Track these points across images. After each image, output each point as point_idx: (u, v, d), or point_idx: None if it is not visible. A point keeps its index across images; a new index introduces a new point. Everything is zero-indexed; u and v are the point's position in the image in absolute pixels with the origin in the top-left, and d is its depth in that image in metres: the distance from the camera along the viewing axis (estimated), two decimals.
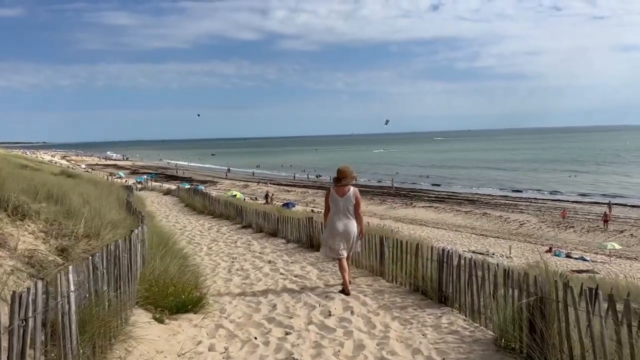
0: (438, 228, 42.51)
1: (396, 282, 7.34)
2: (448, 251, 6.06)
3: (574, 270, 24.17)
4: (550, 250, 32.88)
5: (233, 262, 9.86)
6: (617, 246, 32.40)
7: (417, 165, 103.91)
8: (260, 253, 10.75)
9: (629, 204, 52.56)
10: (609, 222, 38.91)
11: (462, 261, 5.79)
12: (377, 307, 6.25)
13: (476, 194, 63.13)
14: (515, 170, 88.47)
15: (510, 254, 28.82)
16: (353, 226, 7.25)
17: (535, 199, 58.44)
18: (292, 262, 9.48)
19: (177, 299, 5.80)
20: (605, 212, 40.48)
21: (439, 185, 72.90)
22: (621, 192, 60.77)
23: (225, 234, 14.22)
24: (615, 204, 51.80)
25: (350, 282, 7.18)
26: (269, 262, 9.69)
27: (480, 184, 71.62)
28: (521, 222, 45.07)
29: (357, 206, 7.26)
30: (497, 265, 5.40)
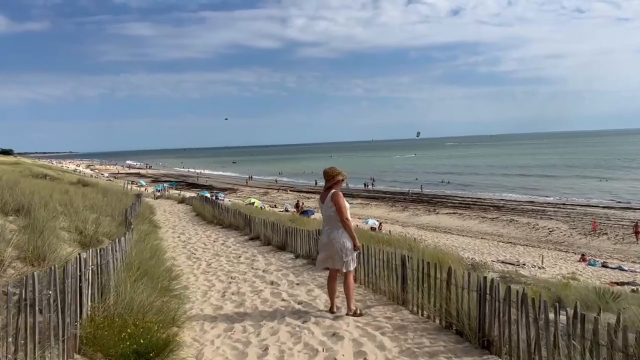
0: (463, 236, 40.65)
1: (422, 315, 5.86)
2: (492, 280, 4.56)
3: (613, 282, 22.24)
4: (583, 259, 30.81)
5: (230, 283, 8.48)
6: None
7: (437, 171, 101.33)
8: (263, 271, 9.36)
9: None
10: None
11: (513, 295, 4.30)
12: (398, 352, 4.79)
13: (502, 199, 60.90)
14: (540, 176, 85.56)
15: (542, 264, 26.91)
16: (336, 237, 6.02)
17: (564, 204, 56.00)
18: (297, 284, 8.06)
19: (135, 344, 4.43)
20: (637, 222, 37.95)
21: (462, 190, 70.74)
22: None
23: (230, 247, 12.88)
24: None
25: (338, 307, 6.31)
26: (272, 283, 8.29)
27: (504, 190, 69.24)
28: (550, 229, 42.93)
29: (338, 213, 6.00)
30: (560, 303, 3.92)
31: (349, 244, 5.97)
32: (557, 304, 3.99)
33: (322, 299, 6.95)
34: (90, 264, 4.75)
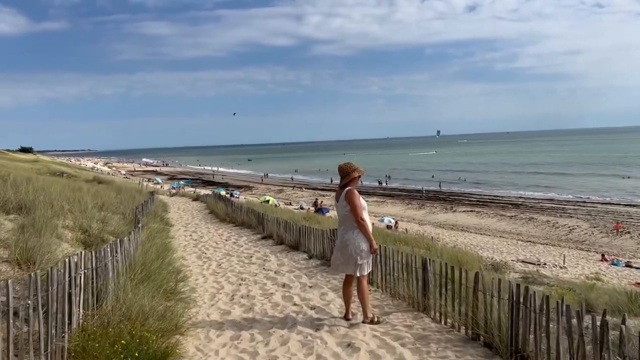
0: (481, 234, 39.85)
1: (445, 323, 5.37)
2: (527, 289, 4.05)
3: (638, 283, 21.42)
4: (604, 259, 29.87)
5: (240, 285, 8.06)
6: None
7: (451, 169, 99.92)
8: (275, 273, 8.93)
9: None
10: None
11: (551, 305, 3.80)
12: None
13: (520, 197, 59.81)
14: (557, 173, 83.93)
15: (564, 263, 26.12)
16: (351, 238, 5.54)
17: (584, 202, 54.78)
18: (311, 287, 7.60)
19: (130, 356, 4.02)
20: None
21: (479, 188, 69.67)
22: None
23: (242, 246, 12.48)
24: None
25: (353, 314, 5.85)
26: (283, 285, 7.85)
27: (519, 187, 67.98)
28: (571, 228, 41.93)
29: (352, 212, 5.53)
30: (604, 316, 3.42)
31: (364, 246, 5.50)
32: (594, 315, 3.48)
33: (337, 303, 6.49)
34: (83, 268, 4.35)
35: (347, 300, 5.81)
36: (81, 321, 4.27)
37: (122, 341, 4.14)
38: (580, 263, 28.25)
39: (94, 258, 4.82)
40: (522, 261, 25.97)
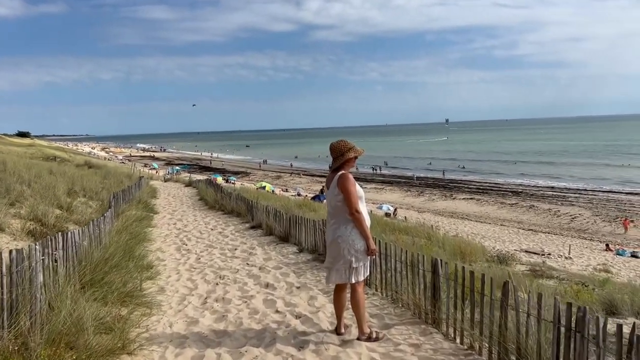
0: (482, 222, 38.86)
1: (462, 342, 4.27)
2: (581, 310, 2.93)
3: None
4: (608, 248, 28.94)
5: (217, 285, 6.96)
6: None
7: (449, 157, 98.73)
8: (260, 269, 7.82)
9: None
10: None
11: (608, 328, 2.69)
12: None
13: (520, 184, 58.84)
14: (555, 162, 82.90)
15: (569, 254, 25.12)
16: (343, 234, 4.40)
17: (585, 190, 53.93)
18: (298, 288, 6.50)
19: None
20: None
21: (479, 175, 68.65)
22: None
23: (227, 237, 11.38)
24: None
25: (346, 327, 4.76)
26: (267, 286, 6.75)
27: (517, 176, 66.99)
28: (573, 216, 41.05)
29: (346, 202, 4.37)
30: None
31: (359, 245, 4.37)
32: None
33: (327, 311, 5.40)
34: None
35: (339, 311, 4.70)
36: None
37: None
38: (585, 253, 27.29)
39: (8, 259, 3.70)
40: (526, 251, 24.96)
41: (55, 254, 4.77)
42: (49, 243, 4.67)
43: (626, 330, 2.71)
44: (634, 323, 2.73)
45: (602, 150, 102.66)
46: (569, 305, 3.04)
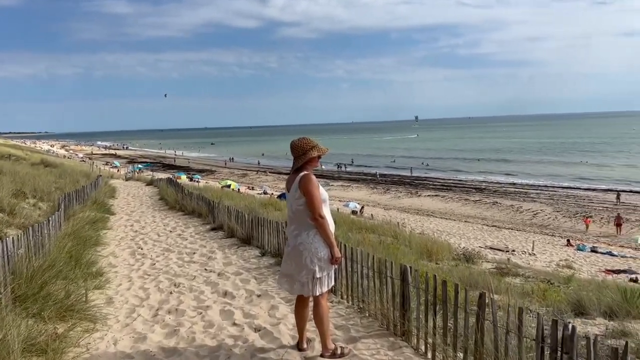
0: (446, 219, 39.15)
1: (433, 358, 3.93)
2: (571, 329, 2.62)
3: (608, 270, 20.84)
4: (569, 244, 29.52)
5: (171, 293, 6.46)
6: None
7: (412, 155, 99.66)
8: (218, 275, 7.35)
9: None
10: (621, 226, 35.17)
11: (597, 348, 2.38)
12: None
13: (483, 181, 59.78)
14: (518, 159, 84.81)
15: (533, 250, 25.41)
16: (305, 241, 4.00)
17: (546, 186, 55.18)
18: (259, 296, 6.07)
19: None
20: (618, 215, 36.73)
21: (443, 172, 69.47)
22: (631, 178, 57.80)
23: (186, 240, 10.83)
24: (629, 191, 48.90)
25: (309, 341, 4.40)
26: (225, 294, 6.29)
27: (482, 172, 68.22)
28: (535, 212, 41.88)
29: (308, 206, 3.97)
30: None
31: (323, 253, 3.96)
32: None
33: (289, 322, 4.99)
34: None
35: (300, 324, 4.29)
36: None
37: None
38: (547, 249, 27.72)
39: None
40: (490, 247, 25.11)
41: None
42: None
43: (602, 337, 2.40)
44: (626, 342, 2.43)
45: (558, 147, 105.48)
46: (555, 322, 2.71)
